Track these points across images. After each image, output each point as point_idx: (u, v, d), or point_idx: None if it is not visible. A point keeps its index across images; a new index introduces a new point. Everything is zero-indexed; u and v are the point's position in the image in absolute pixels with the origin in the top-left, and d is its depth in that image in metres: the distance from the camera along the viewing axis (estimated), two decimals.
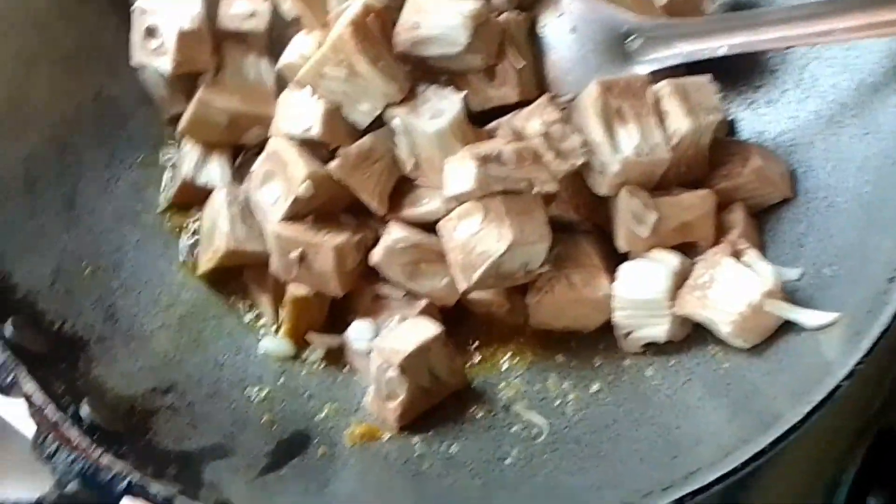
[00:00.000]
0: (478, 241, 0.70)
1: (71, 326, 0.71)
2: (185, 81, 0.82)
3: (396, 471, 0.69)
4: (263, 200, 0.76)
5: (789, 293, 0.69)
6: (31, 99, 0.78)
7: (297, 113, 0.76)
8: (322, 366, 0.77)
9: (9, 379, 0.61)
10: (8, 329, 0.64)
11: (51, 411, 0.61)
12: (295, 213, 0.75)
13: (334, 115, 0.75)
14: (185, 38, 0.77)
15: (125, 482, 0.58)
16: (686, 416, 0.68)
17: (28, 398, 0.61)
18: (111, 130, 0.83)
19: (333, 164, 0.74)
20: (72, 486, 0.56)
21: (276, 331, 0.78)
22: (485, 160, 0.69)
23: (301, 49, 0.77)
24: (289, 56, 0.78)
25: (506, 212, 0.70)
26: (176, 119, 0.83)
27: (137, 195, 0.82)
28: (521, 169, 0.70)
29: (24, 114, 0.78)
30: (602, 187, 0.73)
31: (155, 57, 0.79)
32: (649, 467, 0.65)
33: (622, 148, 0.72)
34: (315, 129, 0.74)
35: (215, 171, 0.81)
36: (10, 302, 0.68)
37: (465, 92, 0.74)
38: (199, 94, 0.79)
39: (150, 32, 0.78)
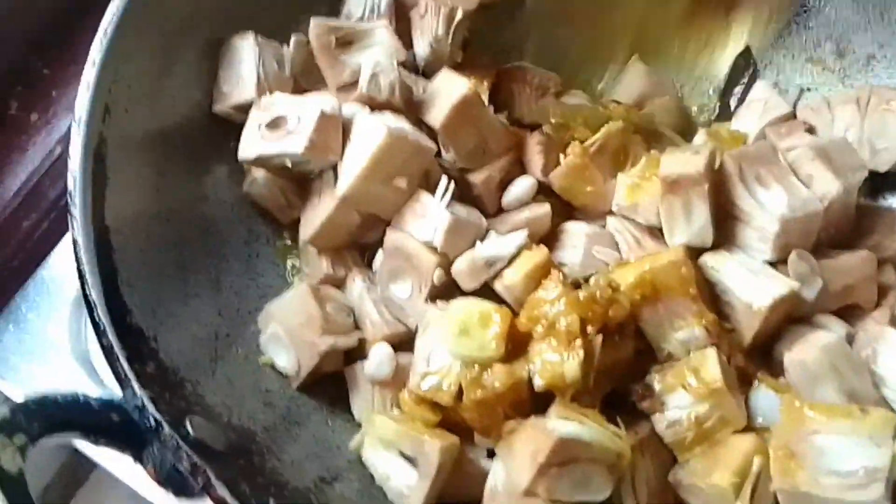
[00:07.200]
0: None
1: (238, 418, 0.70)
2: (297, 188, 0.81)
3: None
4: (396, 296, 0.77)
5: None
6: (173, 188, 0.78)
7: (423, 217, 0.76)
8: None
9: (200, 482, 0.61)
10: (190, 429, 0.64)
11: None
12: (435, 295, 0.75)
13: (456, 229, 0.74)
14: (325, 120, 0.75)
15: None
16: None
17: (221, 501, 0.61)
18: (247, 205, 0.82)
19: None
20: None
21: None
22: None
23: None
24: None
25: None
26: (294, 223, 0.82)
27: (276, 269, 0.82)
28: None
29: (169, 201, 0.77)
30: (766, 254, 0.71)
31: (281, 141, 0.76)
32: None
33: (773, 208, 0.70)
34: (437, 241, 0.74)
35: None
36: (183, 399, 0.67)
37: None
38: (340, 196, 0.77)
39: (276, 123, 0.77)
